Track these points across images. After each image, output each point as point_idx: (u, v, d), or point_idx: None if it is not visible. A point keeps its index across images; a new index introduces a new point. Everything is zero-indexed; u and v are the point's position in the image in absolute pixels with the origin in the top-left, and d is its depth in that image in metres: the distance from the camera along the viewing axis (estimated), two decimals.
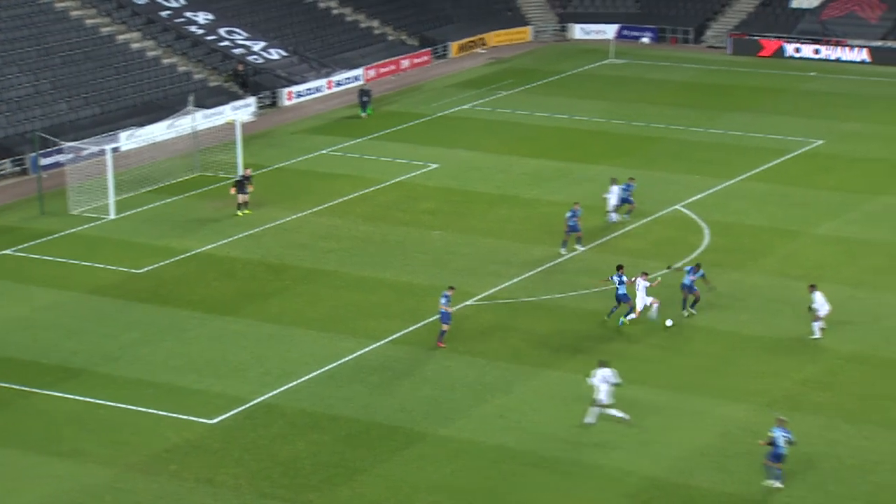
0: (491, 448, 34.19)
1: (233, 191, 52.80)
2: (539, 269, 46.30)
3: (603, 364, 35.05)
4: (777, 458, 31.65)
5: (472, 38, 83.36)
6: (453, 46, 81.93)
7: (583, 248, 47.33)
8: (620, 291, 40.85)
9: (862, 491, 31.69)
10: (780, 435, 31.66)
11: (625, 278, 40.89)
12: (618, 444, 34.16)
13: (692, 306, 41.35)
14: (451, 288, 40.61)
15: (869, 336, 40.19)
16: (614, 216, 49.75)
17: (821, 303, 39.76)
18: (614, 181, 50.08)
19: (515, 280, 45.18)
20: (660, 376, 37.97)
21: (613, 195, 49.80)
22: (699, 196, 53.30)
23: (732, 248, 47.35)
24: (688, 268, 41.72)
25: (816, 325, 40.00)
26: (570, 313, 42.49)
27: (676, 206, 52.08)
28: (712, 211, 51.32)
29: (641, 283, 40.81)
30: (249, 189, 52.85)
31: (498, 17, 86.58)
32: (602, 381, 34.75)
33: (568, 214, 47.27)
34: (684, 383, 37.45)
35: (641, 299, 40.77)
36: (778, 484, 31.74)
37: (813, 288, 40.23)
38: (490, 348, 39.97)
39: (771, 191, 54.26)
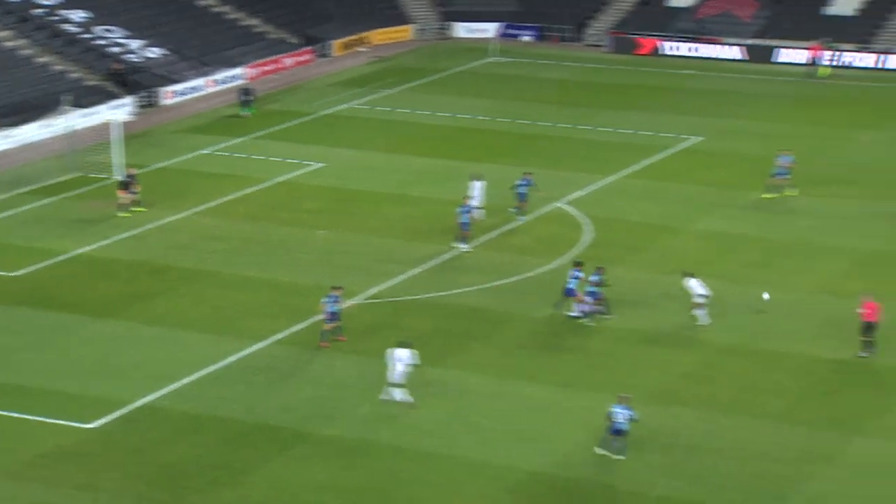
0: (376, 446, 34.26)
1: (121, 193, 52.03)
2: (424, 267, 46.49)
3: (402, 344, 35.79)
4: (616, 432, 32.79)
5: (354, 37, 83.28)
6: (336, 45, 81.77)
7: (465, 247, 47.56)
8: (570, 286, 41.07)
9: (740, 482, 32.40)
10: (619, 411, 32.74)
11: (581, 274, 41.09)
12: (501, 440, 34.49)
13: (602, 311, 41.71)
14: (338, 287, 40.58)
15: (745, 329, 41.09)
16: (477, 213, 49.87)
17: (696, 288, 40.42)
18: (475, 178, 50.29)
19: (400, 278, 45.30)
20: (543, 371, 38.40)
21: (476, 191, 49.86)
22: (581, 193, 54.00)
23: (614, 244, 48.04)
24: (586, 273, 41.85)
25: (700, 313, 40.70)
26: (454, 311, 42.74)
27: (558, 204, 52.66)
28: (594, 207, 52.03)
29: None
30: (137, 189, 52.17)
31: (380, 15, 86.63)
32: (397, 360, 35.48)
33: (458, 210, 47.48)
34: (567, 378, 37.92)
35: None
36: (617, 456, 32.86)
37: (688, 275, 40.99)
38: (375, 347, 39.96)
39: (651, 187, 55.18)
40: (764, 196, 52.41)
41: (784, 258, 47.01)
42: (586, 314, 41.33)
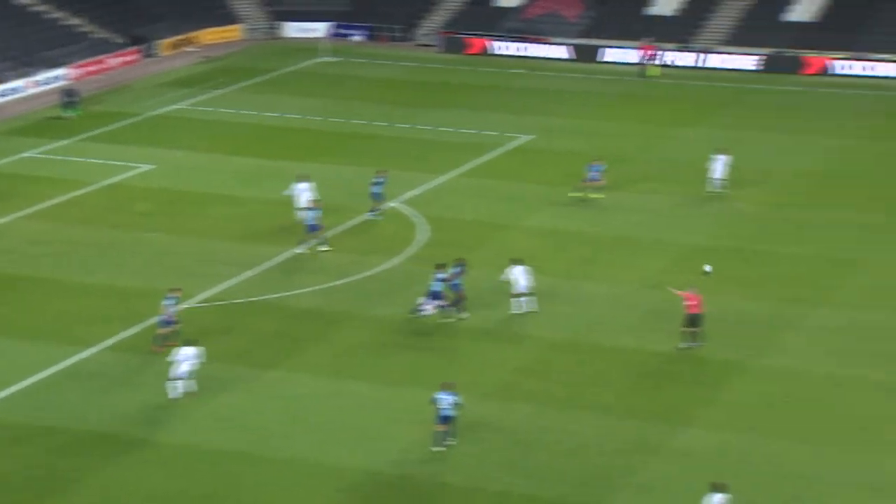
0: (210, 451, 33.89)
1: None
2: (259, 268, 46.15)
3: (188, 343, 36.30)
4: (443, 420, 33.33)
5: (182, 36, 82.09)
6: (163, 44, 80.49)
7: (303, 250, 47.31)
8: (435, 288, 41.09)
9: (574, 474, 32.99)
10: (443, 398, 33.36)
11: (443, 276, 41.19)
12: (338, 440, 34.47)
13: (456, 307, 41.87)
14: (176, 289, 40.00)
15: (576, 324, 41.86)
16: (304, 214, 49.58)
17: (520, 277, 41.17)
18: (301, 178, 50.10)
19: (235, 280, 44.86)
20: (379, 371, 38.50)
21: (301, 193, 49.61)
22: (414, 192, 54.27)
23: (449, 242, 48.37)
24: (452, 269, 41.81)
25: (522, 301, 41.55)
26: (288, 312, 42.54)
27: (392, 203, 52.81)
28: (428, 206, 52.35)
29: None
30: None
31: (208, 14, 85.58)
32: (183, 359, 35.89)
33: (310, 212, 47.13)
34: (403, 377, 38.07)
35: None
36: (439, 448, 33.42)
37: (516, 262, 41.66)
38: (210, 350, 39.48)
39: (483, 185, 55.77)
40: (571, 194, 53.25)
41: (611, 253, 48.05)
42: (442, 309, 41.47)
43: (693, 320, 39.62)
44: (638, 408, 36.45)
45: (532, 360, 39.44)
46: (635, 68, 76.40)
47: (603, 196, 53.02)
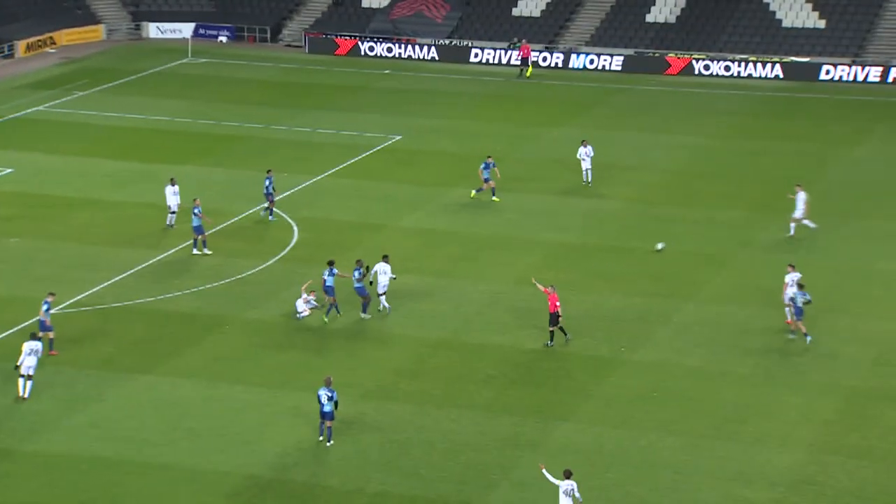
0: (84, 459, 33.31)
1: None
2: (127, 272, 45.48)
3: (32, 336, 36.51)
4: (324, 415, 33.94)
5: (40, 37, 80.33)
6: (20, 45, 78.68)
7: (207, 252, 46.62)
8: (328, 284, 41.16)
9: (452, 472, 33.24)
10: (323, 393, 33.93)
11: (336, 272, 41.36)
12: (216, 445, 34.17)
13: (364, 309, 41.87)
14: (52, 294, 39.28)
15: (451, 322, 42.14)
16: (172, 218, 49.15)
17: (381, 273, 41.76)
18: (173, 181, 49.55)
19: (104, 285, 44.12)
20: (256, 373, 38.27)
21: (172, 196, 49.04)
22: (286, 193, 53.95)
23: (321, 243, 48.26)
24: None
25: (382, 299, 42.07)
26: (161, 316, 42.01)
27: (263, 205, 52.42)
28: (299, 208, 52.16)
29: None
30: None
31: (67, 14, 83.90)
32: (29, 352, 36.06)
33: (194, 212, 46.47)
34: (280, 379, 37.92)
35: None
36: (329, 443, 34.04)
37: (385, 258, 42.18)
38: (79, 356, 38.86)
39: (355, 186, 55.78)
40: (472, 194, 53.69)
41: (485, 252, 48.47)
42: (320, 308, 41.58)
43: (554, 318, 40.16)
44: (514, 405, 36.87)
45: (408, 359, 39.60)
46: (514, 69, 77.11)
47: (498, 200, 53.30)
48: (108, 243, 48.16)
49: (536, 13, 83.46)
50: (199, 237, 46.76)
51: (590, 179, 55.54)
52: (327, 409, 34.05)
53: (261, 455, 33.73)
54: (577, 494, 30.22)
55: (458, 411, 36.37)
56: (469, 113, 68.42)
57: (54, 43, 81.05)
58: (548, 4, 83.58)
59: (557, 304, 40.10)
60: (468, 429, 35.43)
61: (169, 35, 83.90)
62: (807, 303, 40.41)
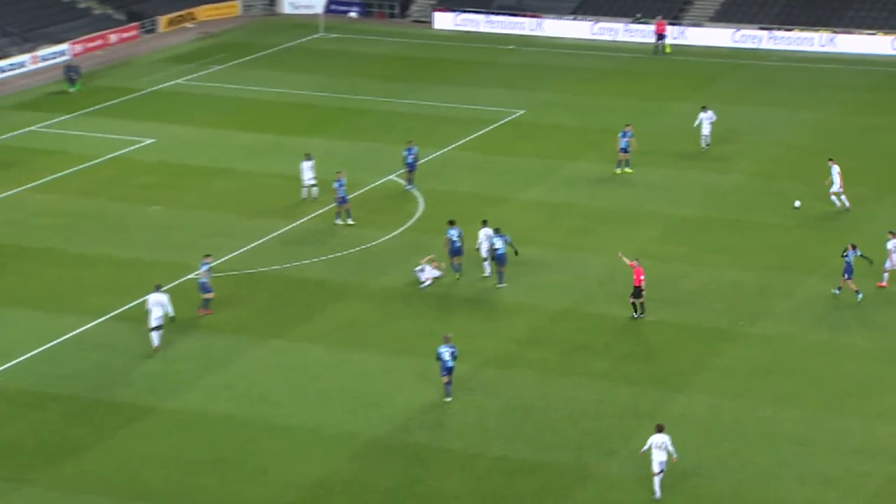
0: (219, 418, 33.97)
1: None
2: (259, 241, 46.10)
3: (157, 288, 36.99)
4: (447, 371, 34.11)
5: (180, 13, 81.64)
6: (162, 21, 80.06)
7: (350, 222, 47.01)
8: (457, 245, 41.92)
9: (571, 439, 33.15)
10: (445, 350, 34.26)
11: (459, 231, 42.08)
12: (343, 408, 34.56)
13: None
14: (209, 256, 40.26)
15: (571, 293, 41.92)
16: (315, 191, 49.38)
17: (483, 240, 42.00)
18: (308, 156, 49.85)
19: (237, 252, 44.80)
20: (381, 340, 38.54)
21: (307, 171, 49.25)
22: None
23: (446, 215, 48.11)
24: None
25: (486, 265, 42.26)
26: (291, 283, 42.55)
27: (391, 177, 52.75)
28: (425, 180, 52.25)
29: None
30: None
31: None
32: (155, 304, 36.76)
33: (335, 185, 46.91)
34: (403, 346, 38.14)
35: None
36: (449, 398, 34.39)
37: (484, 223, 42.39)
38: (215, 320, 39.58)
39: (479, 159, 55.70)
40: (617, 171, 53.33)
41: (604, 225, 48.07)
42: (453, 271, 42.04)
43: (637, 292, 39.66)
44: (632, 374, 36.59)
45: (528, 328, 39.52)
46: (636, 45, 76.15)
47: (630, 171, 53.00)
48: (240, 212, 48.87)
49: None
50: (343, 207, 47.07)
51: (709, 142, 55.56)
52: (450, 364, 34.36)
53: (386, 418, 34.01)
54: (670, 448, 30.25)
55: (578, 380, 36.22)
56: (591, 88, 67.79)
57: (193, 18, 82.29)
58: None
59: (642, 277, 39.56)
60: (587, 397, 35.27)
61: (302, 11, 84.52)
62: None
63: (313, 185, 49.22)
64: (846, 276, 40.63)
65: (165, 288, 39.38)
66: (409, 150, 50.90)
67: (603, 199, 50.79)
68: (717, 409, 34.62)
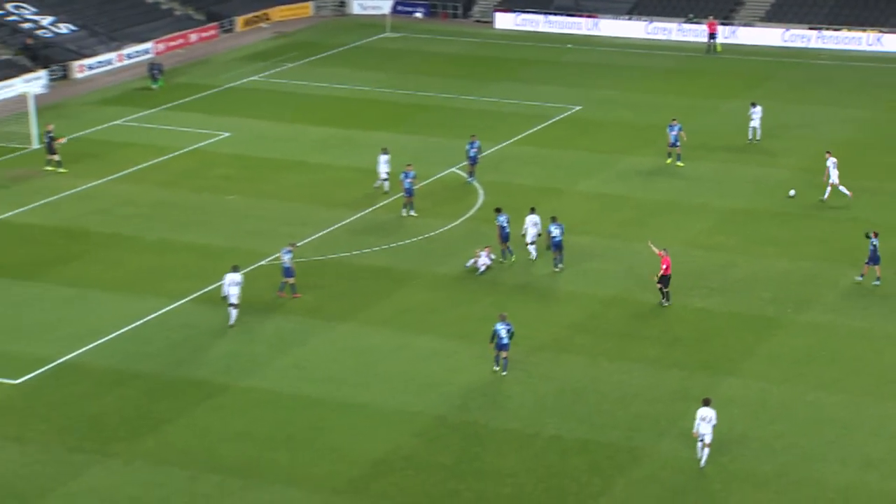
0: (289, 397, 34.29)
1: (60, 140, 51.75)
2: (328, 229, 46.41)
3: (234, 269, 38.13)
4: (500, 347, 34.90)
5: (256, 13, 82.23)
6: (239, 21, 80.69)
7: (413, 213, 47.12)
8: (507, 230, 42.33)
9: (623, 421, 33.09)
10: (501, 327, 34.76)
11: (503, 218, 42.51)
12: (407, 388, 34.75)
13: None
14: (293, 244, 40.57)
15: (623, 281, 41.79)
16: (387, 185, 49.51)
17: (528, 226, 42.41)
18: (385, 150, 50.02)
19: (307, 240, 45.12)
20: (442, 324, 38.68)
21: (383, 164, 49.44)
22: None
23: (505, 206, 48.23)
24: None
25: (532, 248, 42.59)
26: (358, 270, 42.80)
27: (452, 169, 52.86)
28: (486, 172, 52.29)
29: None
30: (58, 144, 51.59)
31: None
32: (231, 283, 37.53)
33: (401, 177, 47.09)
34: (463, 331, 38.24)
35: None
36: (497, 368, 35.25)
37: (532, 210, 42.77)
38: (286, 304, 39.93)
39: (537, 153, 55.63)
40: (668, 161, 53.18)
41: (657, 216, 47.84)
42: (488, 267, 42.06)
43: (666, 280, 39.41)
44: (682, 359, 36.43)
45: (582, 314, 39.46)
46: (689, 44, 75.56)
47: (681, 164, 52.78)
48: (312, 202, 49.21)
49: None
50: (409, 199, 47.25)
51: (758, 137, 55.33)
52: (505, 341, 34.81)
53: (446, 398, 34.17)
54: (714, 423, 30.40)
55: (629, 364, 36.13)
56: (646, 85, 67.39)
57: (268, 19, 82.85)
58: None
59: (668, 267, 39.37)
60: (639, 381, 35.19)
61: (370, 11, 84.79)
62: None
63: (386, 179, 49.26)
64: (871, 262, 40.55)
65: (248, 269, 39.87)
66: (472, 144, 50.96)
67: (655, 191, 50.54)
68: (764, 393, 34.41)
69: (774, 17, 78.72)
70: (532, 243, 42.73)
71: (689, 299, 40.33)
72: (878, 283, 40.87)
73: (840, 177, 49.04)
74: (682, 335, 38.03)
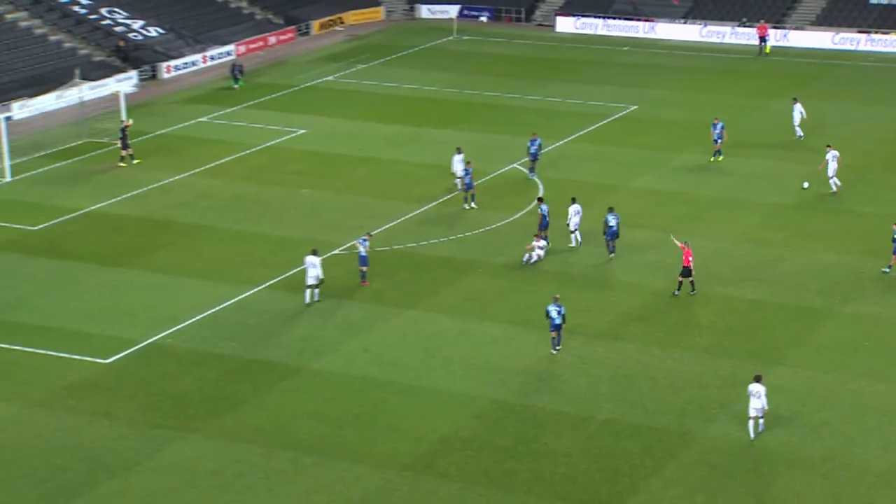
0: (357, 378, 34.32)
1: (128, 123, 52.21)
2: (396, 221, 46.38)
3: (313, 252, 38.60)
4: (554, 327, 35.24)
5: (331, 17, 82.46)
6: (315, 24, 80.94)
7: (474, 206, 46.91)
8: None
9: (674, 406, 32.71)
10: (553, 309, 34.91)
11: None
12: (467, 373, 34.62)
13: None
14: (369, 234, 40.65)
15: (676, 273, 41.13)
16: (459, 182, 49.07)
17: (572, 215, 42.76)
18: (459, 150, 49.76)
19: (376, 231, 45.08)
20: (502, 312, 38.49)
21: (458, 164, 49.11)
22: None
23: (562, 201, 47.86)
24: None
25: (574, 236, 42.97)
26: (423, 259, 42.73)
27: (514, 165, 52.59)
28: (545, 168, 51.95)
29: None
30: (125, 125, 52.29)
31: None
32: (310, 265, 38.02)
33: (461, 173, 46.94)
34: (522, 318, 38.02)
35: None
36: (557, 349, 35.39)
37: (574, 200, 42.88)
38: (355, 291, 39.98)
39: (594, 150, 55.16)
40: (711, 159, 52.55)
41: (709, 211, 47.22)
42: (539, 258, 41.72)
43: (686, 272, 38.92)
44: (732, 348, 35.93)
45: (635, 304, 39.07)
46: (743, 46, 74.53)
47: (720, 159, 52.23)
48: (381, 196, 49.21)
49: None
50: (469, 192, 47.06)
51: (801, 134, 54.88)
52: (557, 321, 34.93)
53: (505, 382, 33.99)
54: (763, 399, 30.40)
55: (681, 352, 35.70)
56: (699, 86, 66.56)
57: (342, 22, 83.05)
58: None
59: (691, 258, 38.92)
60: (690, 368, 34.76)
61: (438, 15, 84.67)
62: None
63: (460, 178, 48.82)
64: None
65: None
66: (533, 141, 50.63)
67: (707, 187, 49.88)
68: (811, 382, 33.84)
69: (825, 20, 77.36)
70: (574, 231, 42.55)
71: (739, 291, 39.76)
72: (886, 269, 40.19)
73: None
74: (732, 325, 37.50)
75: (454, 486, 29.22)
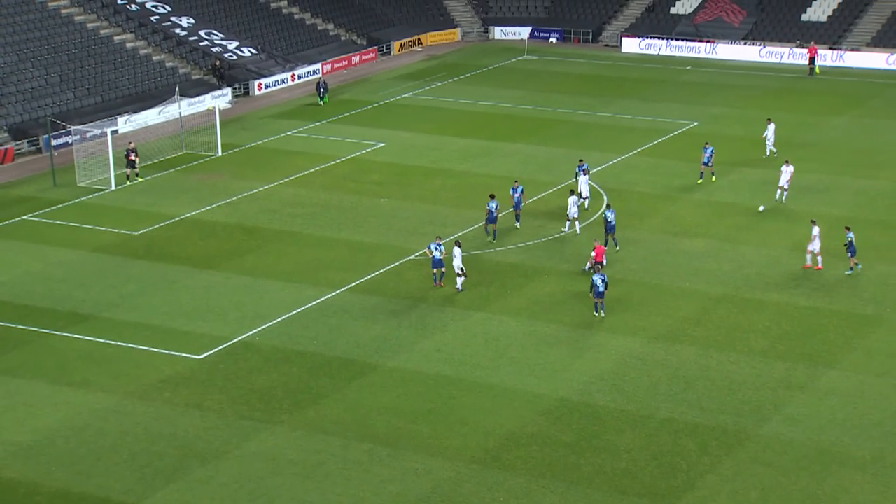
0: (430, 376, 34.29)
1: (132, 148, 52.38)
2: (469, 229, 46.30)
3: (458, 244, 39.28)
4: (598, 294, 36.70)
5: (410, 38, 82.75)
6: (395, 45, 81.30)
7: (517, 225, 45.63)
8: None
9: (730, 406, 32.20)
10: (597, 278, 35.91)
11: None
12: (533, 372, 34.42)
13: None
14: (439, 238, 40.67)
15: (733, 280, 40.70)
16: (587, 203, 47.19)
17: (573, 204, 43.76)
18: (581, 162, 48.12)
19: (449, 238, 45.05)
20: (567, 315, 38.22)
21: (583, 185, 47.36)
22: (598, 168, 53.47)
23: (625, 211, 47.57)
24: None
25: (577, 224, 43.70)
26: (493, 265, 42.60)
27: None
28: (609, 180, 51.56)
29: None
30: (136, 160, 52.55)
31: (432, 20, 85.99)
32: (454, 255, 39.10)
33: (511, 192, 45.87)
34: (586, 321, 37.72)
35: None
36: (602, 314, 36.98)
37: (608, 206, 42.94)
38: (429, 294, 39.98)
39: (655, 164, 54.59)
40: (699, 181, 51.33)
41: (765, 222, 46.44)
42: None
43: (596, 266, 38.92)
44: (787, 352, 35.27)
45: (694, 310, 38.54)
46: (800, 67, 73.30)
47: (714, 179, 51.08)
48: (453, 205, 49.18)
49: (823, 18, 78.82)
50: (517, 212, 46.42)
51: (775, 151, 53.70)
52: (601, 289, 36.12)
53: (570, 382, 33.73)
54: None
55: (737, 355, 35.13)
56: (758, 103, 65.55)
57: (421, 43, 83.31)
58: (834, 10, 78.79)
59: (599, 255, 39.26)
60: (745, 370, 34.19)
61: (510, 36, 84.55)
62: None
63: (587, 197, 47.37)
64: (850, 254, 40.17)
65: (396, 263, 40.03)
66: (515, 189, 46.20)
67: (764, 199, 49.05)
68: (862, 385, 33.08)
69: (880, 42, 75.78)
70: (573, 220, 44.31)
71: (793, 298, 39.03)
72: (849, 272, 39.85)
73: None
74: (787, 330, 36.82)
75: (520, 478, 29.03)
